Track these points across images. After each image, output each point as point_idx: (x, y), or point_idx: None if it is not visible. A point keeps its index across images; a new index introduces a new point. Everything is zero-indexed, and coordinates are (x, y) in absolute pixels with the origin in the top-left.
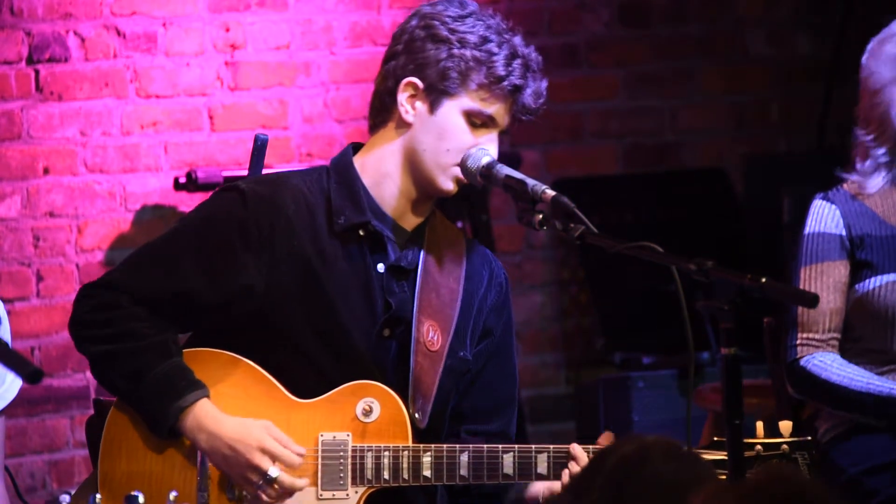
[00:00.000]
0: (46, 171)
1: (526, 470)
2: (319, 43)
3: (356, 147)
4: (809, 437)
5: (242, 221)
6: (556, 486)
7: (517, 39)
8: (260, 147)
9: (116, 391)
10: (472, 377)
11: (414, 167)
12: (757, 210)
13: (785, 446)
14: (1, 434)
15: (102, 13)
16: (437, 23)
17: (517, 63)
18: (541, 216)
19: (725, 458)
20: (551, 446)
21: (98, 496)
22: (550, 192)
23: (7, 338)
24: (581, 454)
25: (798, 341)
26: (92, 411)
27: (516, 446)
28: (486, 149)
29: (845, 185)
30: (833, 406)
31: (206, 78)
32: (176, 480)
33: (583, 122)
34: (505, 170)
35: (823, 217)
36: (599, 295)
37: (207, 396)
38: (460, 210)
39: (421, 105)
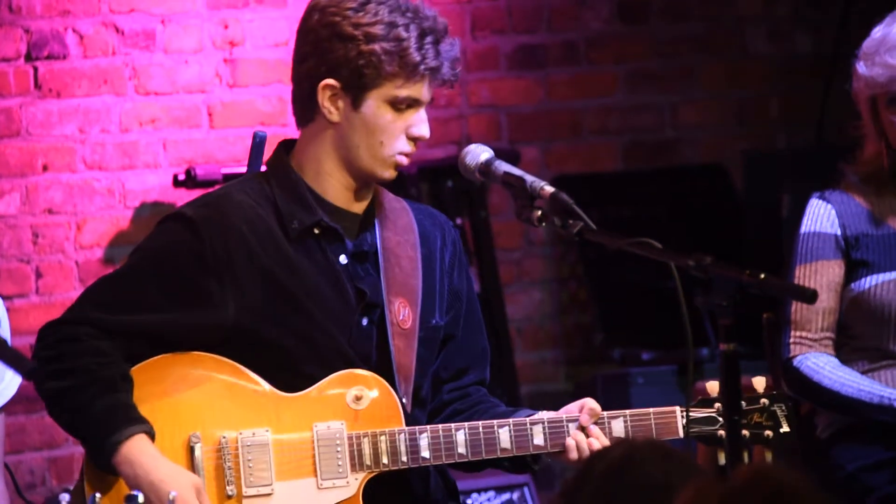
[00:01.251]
0: (45, 168)
1: (522, 442)
2: None
3: (288, 145)
4: (782, 391)
5: (197, 250)
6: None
7: (420, 12)
8: (258, 144)
9: (63, 425)
10: (450, 341)
11: (351, 163)
12: (756, 206)
13: (764, 400)
14: (1, 432)
15: (101, 10)
16: (338, 18)
17: (428, 42)
18: (540, 213)
19: (716, 413)
20: (545, 417)
21: (98, 495)
22: (549, 189)
23: (7, 337)
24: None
25: (791, 339)
26: None
27: (511, 420)
28: (486, 147)
29: (842, 185)
30: (824, 408)
31: (204, 75)
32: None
33: (582, 118)
34: (504, 166)
35: (819, 216)
36: (598, 291)
37: (150, 434)
38: (460, 206)
39: (343, 103)
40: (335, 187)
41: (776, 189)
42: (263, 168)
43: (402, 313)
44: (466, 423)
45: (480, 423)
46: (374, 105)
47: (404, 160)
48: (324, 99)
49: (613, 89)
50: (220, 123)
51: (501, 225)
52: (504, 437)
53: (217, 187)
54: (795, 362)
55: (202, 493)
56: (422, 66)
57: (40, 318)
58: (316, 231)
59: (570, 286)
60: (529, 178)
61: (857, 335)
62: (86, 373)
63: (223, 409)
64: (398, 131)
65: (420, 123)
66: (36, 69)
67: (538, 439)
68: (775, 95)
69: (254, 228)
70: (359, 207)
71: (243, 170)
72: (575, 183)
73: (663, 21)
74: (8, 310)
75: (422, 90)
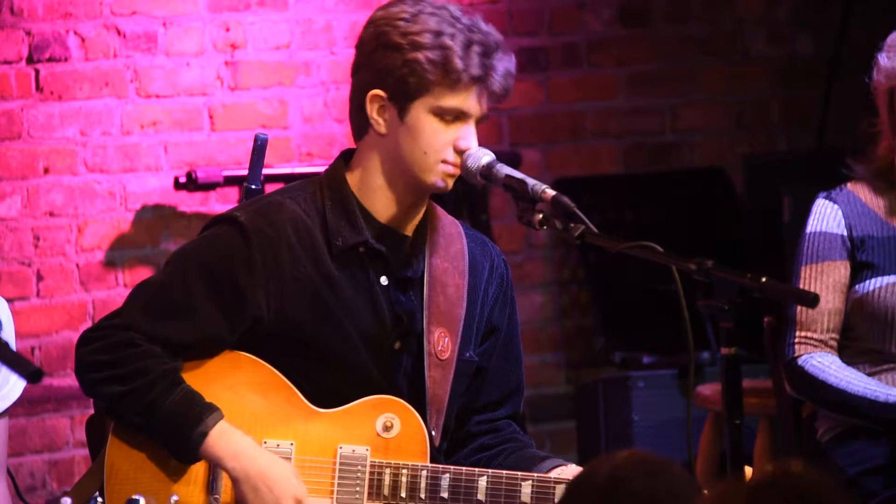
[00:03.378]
0: (46, 170)
1: (543, 501)
2: (319, 43)
3: (348, 155)
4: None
5: (247, 258)
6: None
7: (474, 25)
8: (260, 147)
9: (134, 427)
10: (482, 373)
11: (401, 175)
12: (757, 210)
13: None
14: (3, 435)
15: (102, 13)
16: (388, 28)
17: (474, 52)
18: (541, 216)
19: None
20: (571, 475)
21: (99, 498)
22: (551, 192)
23: (11, 340)
24: None
25: (796, 339)
26: (92, 411)
27: (535, 475)
28: (487, 150)
29: (848, 185)
30: (828, 408)
31: (206, 77)
32: (183, 481)
33: (583, 121)
34: (505, 169)
35: (826, 216)
36: (599, 295)
37: (223, 417)
38: (460, 210)
39: (389, 115)
40: (384, 204)
41: (777, 192)
42: (321, 172)
43: (442, 343)
44: (490, 471)
45: (504, 473)
46: (419, 115)
47: (451, 169)
48: (372, 110)
49: (614, 92)
50: (222, 126)
51: (502, 228)
52: (526, 491)
53: (270, 191)
54: (800, 361)
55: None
56: (464, 74)
57: (41, 321)
58: (361, 250)
59: (571, 289)
60: (531, 181)
61: (860, 337)
62: (150, 373)
63: (252, 413)
64: (443, 142)
65: (467, 136)
66: (37, 72)
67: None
68: (776, 98)
69: (301, 240)
70: (408, 228)
71: (244, 172)
72: (576, 186)
73: (664, 24)
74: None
75: (468, 101)
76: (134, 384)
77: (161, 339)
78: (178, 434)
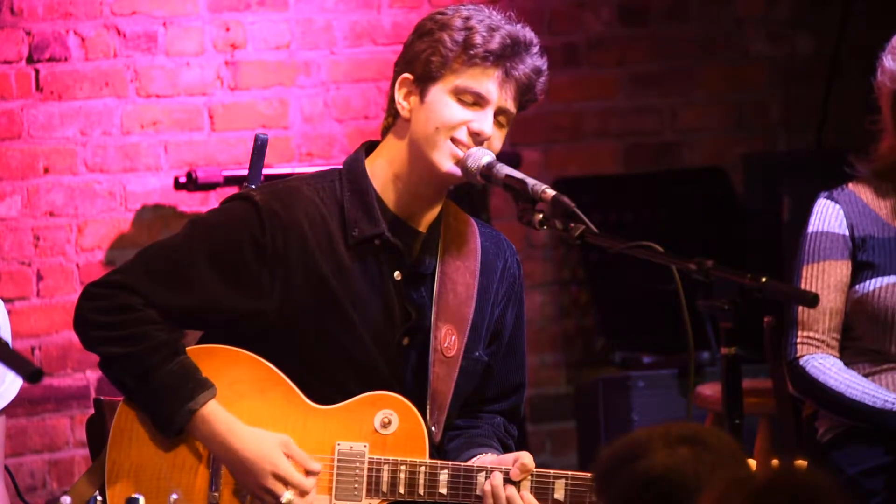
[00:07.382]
0: (46, 170)
1: (543, 495)
2: (319, 43)
3: (369, 147)
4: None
5: (257, 238)
6: (505, 458)
7: (507, 20)
8: (260, 147)
9: (125, 390)
10: (487, 370)
11: (415, 159)
12: (757, 209)
13: None
14: (1, 434)
15: (102, 13)
16: (426, 21)
17: (498, 34)
18: (541, 216)
19: None
20: (570, 472)
21: (98, 498)
22: (551, 192)
23: (8, 339)
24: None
25: (798, 339)
26: (92, 411)
27: (533, 469)
28: (487, 150)
29: (850, 186)
30: (827, 409)
31: (206, 77)
32: (185, 478)
33: (583, 121)
34: (505, 169)
35: (827, 216)
36: (599, 295)
37: (215, 395)
38: (461, 209)
39: (414, 98)
40: (403, 195)
41: (776, 192)
42: (340, 165)
43: (448, 340)
44: (488, 465)
45: (502, 468)
46: (439, 95)
47: (460, 152)
48: (400, 95)
49: (614, 92)
50: (222, 126)
51: (502, 227)
52: (525, 485)
53: (290, 176)
54: (801, 362)
55: (290, 445)
56: (482, 49)
57: (41, 321)
58: (376, 242)
59: (571, 289)
60: (531, 181)
61: (860, 337)
62: (148, 339)
63: (251, 411)
64: (456, 120)
65: (482, 120)
66: (37, 71)
67: (559, 494)
68: (775, 98)
69: (315, 228)
70: (424, 223)
71: (244, 172)
72: (576, 186)
73: (664, 24)
74: (9, 312)
75: (486, 83)
76: (132, 348)
77: (159, 304)
78: (166, 406)
